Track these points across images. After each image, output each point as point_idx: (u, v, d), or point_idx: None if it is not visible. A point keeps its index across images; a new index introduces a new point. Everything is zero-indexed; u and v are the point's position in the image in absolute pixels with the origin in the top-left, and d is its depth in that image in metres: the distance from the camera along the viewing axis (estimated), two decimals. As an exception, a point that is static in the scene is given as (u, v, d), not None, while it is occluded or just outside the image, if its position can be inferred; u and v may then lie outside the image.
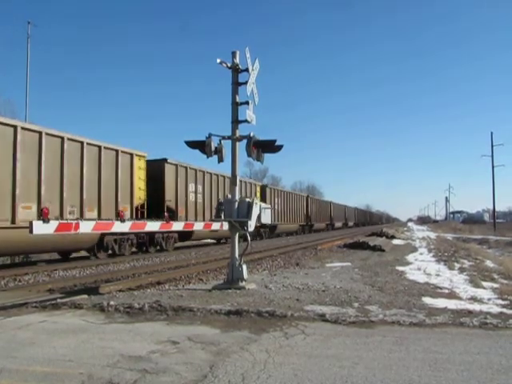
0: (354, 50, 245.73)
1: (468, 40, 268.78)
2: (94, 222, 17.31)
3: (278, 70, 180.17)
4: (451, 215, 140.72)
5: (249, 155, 10.14)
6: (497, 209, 67.94)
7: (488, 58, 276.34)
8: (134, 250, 20.89)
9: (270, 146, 10.43)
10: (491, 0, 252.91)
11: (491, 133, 60.93)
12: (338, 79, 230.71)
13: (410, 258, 19.26)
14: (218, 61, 10.11)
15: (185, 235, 24.68)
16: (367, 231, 49.53)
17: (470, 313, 7.46)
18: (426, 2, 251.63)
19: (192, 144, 10.50)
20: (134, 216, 20.40)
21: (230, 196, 10.51)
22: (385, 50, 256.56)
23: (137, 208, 20.71)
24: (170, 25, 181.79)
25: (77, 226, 16.37)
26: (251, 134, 10.08)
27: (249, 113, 10.34)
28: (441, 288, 10.54)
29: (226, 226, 11.43)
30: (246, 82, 10.28)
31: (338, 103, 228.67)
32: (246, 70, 10.32)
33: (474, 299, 9.05)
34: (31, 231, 14.59)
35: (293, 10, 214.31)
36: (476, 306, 8.14)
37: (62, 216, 16.30)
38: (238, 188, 10.44)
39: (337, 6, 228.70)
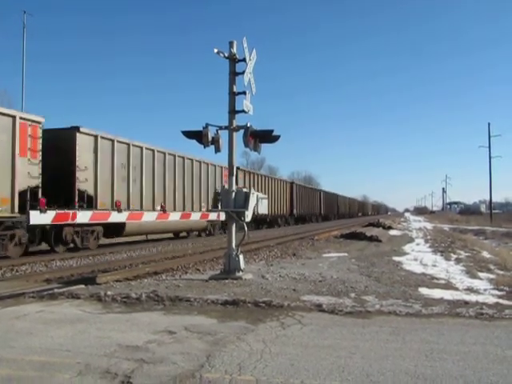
0: (353, 42, 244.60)
1: (465, 32, 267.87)
2: (91, 213, 17.30)
3: (275, 60, 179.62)
4: (448, 206, 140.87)
5: (246, 145, 10.12)
6: (493, 199, 68.16)
7: (485, 49, 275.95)
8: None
9: (267, 137, 10.42)
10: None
11: (488, 124, 61.07)
12: (336, 70, 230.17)
13: (407, 248, 19.31)
14: (215, 51, 10.06)
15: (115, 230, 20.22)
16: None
17: (466, 303, 7.50)
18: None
19: (189, 134, 10.48)
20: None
21: (226, 186, 10.51)
22: (383, 41, 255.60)
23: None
24: (167, 15, 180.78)
25: (74, 216, 16.39)
26: (248, 124, 10.06)
27: (246, 103, 10.31)
28: (437, 279, 10.58)
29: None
30: (243, 72, 10.24)
31: (335, 94, 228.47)
32: (244, 59, 10.28)
33: (470, 290, 9.09)
34: (28, 221, 14.58)
35: (291, 1, 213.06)
36: (472, 297, 8.17)
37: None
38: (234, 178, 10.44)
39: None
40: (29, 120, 15.30)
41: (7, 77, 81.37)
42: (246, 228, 10.30)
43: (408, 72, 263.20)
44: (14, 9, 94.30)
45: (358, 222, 57.10)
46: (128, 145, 20.31)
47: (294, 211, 47.39)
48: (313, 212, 57.79)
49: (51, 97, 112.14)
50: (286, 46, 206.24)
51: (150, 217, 21.31)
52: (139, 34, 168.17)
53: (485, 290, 9.11)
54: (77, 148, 17.17)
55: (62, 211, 15.93)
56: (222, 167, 28.33)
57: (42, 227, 15.91)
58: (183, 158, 24.79)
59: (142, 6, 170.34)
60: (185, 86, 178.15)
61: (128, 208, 19.89)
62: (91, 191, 17.80)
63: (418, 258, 15.06)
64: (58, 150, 16.47)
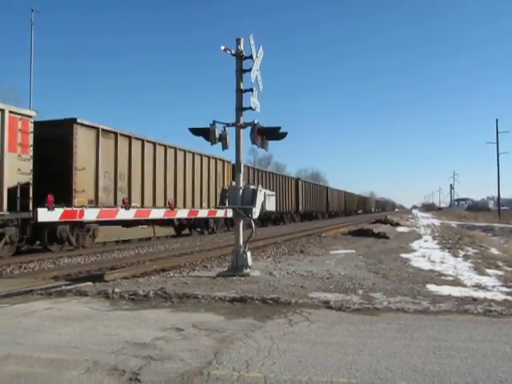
0: (355, 41, 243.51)
1: (467, 30, 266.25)
2: (98, 210, 17.32)
3: (281, 57, 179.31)
4: (456, 202, 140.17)
5: (253, 142, 10.11)
6: (502, 196, 67.53)
7: (488, 47, 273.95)
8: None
9: (274, 134, 10.41)
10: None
11: (496, 120, 60.67)
12: (342, 67, 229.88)
13: (415, 245, 19.24)
14: (222, 48, 10.05)
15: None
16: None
17: (474, 300, 7.45)
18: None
19: (196, 131, 10.49)
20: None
21: (234, 183, 10.50)
22: (388, 39, 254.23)
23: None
24: (171, 13, 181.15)
25: (81, 214, 16.43)
26: (255, 121, 10.05)
27: (253, 100, 10.30)
28: (445, 275, 10.53)
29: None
30: (250, 69, 10.22)
31: (341, 91, 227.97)
32: (250, 57, 10.26)
33: (478, 286, 9.04)
34: (36, 218, 14.61)
35: (292, 0, 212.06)
36: (480, 294, 8.12)
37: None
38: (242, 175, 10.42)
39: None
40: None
41: (15, 74, 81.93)
42: (253, 225, 10.30)
43: (414, 69, 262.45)
44: (23, 6, 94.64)
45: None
46: None
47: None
48: (285, 209, 42.87)
49: (56, 94, 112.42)
50: (289, 44, 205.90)
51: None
52: (140, 33, 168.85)
53: (493, 286, 9.06)
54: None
55: (70, 209, 15.97)
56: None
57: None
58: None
59: (144, 5, 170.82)
60: (186, 85, 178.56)
61: None
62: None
63: (426, 254, 15.00)
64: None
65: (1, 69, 68.25)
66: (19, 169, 14.43)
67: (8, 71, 73.38)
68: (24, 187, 14.54)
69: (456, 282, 9.57)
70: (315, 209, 56.38)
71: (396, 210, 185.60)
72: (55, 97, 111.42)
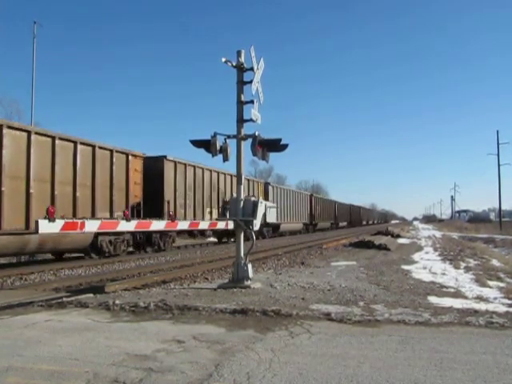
0: (357, 51, 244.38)
1: (471, 41, 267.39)
2: (99, 222, 17.33)
3: (280, 68, 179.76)
4: (457, 214, 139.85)
5: (254, 154, 10.13)
6: (503, 207, 67.65)
7: (492, 58, 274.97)
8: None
9: (275, 145, 10.43)
10: (491, 0, 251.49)
11: (497, 131, 60.90)
12: (341, 79, 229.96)
13: (416, 256, 19.20)
14: (223, 60, 10.10)
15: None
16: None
17: (476, 312, 7.43)
18: (426, 3, 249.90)
19: (197, 143, 10.51)
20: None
21: (235, 195, 10.52)
22: (388, 50, 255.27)
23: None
24: (172, 25, 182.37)
25: (82, 225, 16.41)
26: (256, 133, 10.07)
27: (254, 112, 10.33)
28: (446, 287, 10.51)
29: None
30: (250, 81, 10.26)
31: (341, 103, 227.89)
32: (251, 69, 10.30)
33: (479, 298, 9.01)
34: (37, 230, 14.61)
35: (291, 11, 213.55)
36: (482, 306, 8.09)
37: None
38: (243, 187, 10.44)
39: (335, 7, 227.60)
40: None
41: (18, 86, 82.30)
42: (253, 237, 10.29)
43: (415, 81, 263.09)
44: (26, 18, 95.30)
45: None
46: None
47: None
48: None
49: (57, 106, 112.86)
50: (286, 55, 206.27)
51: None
52: (143, 43, 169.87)
53: (495, 298, 9.04)
54: None
55: (70, 221, 15.97)
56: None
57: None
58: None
59: (146, 15, 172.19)
60: (192, 95, 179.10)
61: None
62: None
63: (427, 266, 14.97)
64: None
65: (4, 81, 68.69)
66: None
67: (11, 83, 73.77)
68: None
69: (457, 294, 9.55)
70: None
71: (393, 221, 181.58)
72: (56, 109, 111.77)
